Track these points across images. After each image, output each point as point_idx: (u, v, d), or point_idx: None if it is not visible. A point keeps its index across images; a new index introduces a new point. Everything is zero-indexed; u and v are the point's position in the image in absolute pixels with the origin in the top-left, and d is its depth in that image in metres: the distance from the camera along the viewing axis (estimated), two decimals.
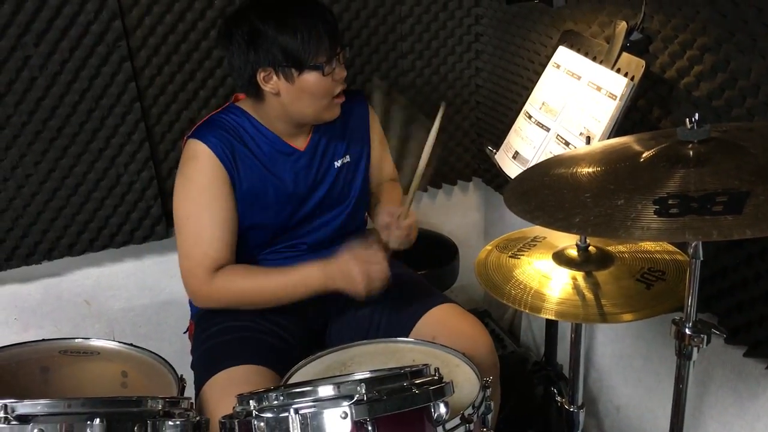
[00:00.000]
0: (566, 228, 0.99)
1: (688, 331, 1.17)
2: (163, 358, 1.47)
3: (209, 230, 1.61)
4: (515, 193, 1.15)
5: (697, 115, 1.09)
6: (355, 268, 1.55)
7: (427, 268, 2.18)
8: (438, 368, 1.20)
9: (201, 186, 1.62)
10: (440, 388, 1.14)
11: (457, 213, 2.60)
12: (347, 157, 1.76)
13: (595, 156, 1.24)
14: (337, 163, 1.75)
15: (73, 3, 1.87)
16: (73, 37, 1.90)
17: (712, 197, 0.94)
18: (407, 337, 1.62)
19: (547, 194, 1.11)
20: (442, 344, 1.50)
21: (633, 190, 1.02)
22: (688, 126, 1.08)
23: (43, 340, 1.53)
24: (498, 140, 1.96)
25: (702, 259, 1.12)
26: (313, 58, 1.55)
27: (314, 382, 1.20)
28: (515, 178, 1.26)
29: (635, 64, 1.56)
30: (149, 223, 2.14)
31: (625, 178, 1.07)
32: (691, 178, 1.01)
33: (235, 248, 1.66)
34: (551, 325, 2.07)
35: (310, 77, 1.57)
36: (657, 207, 0.95)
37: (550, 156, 1.70)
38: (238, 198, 1.65)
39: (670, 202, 0.95)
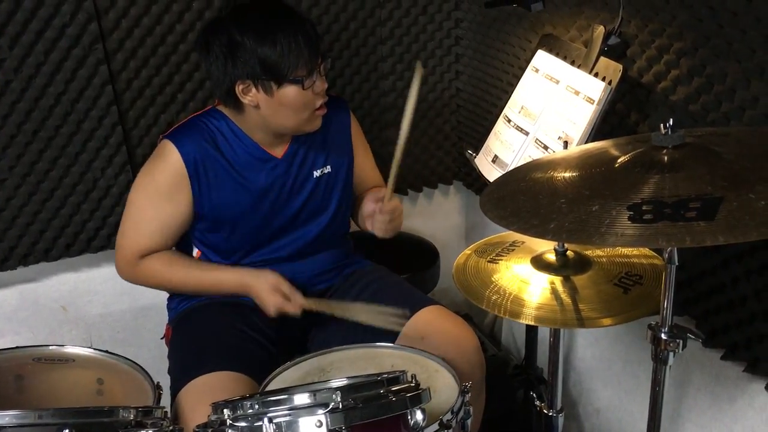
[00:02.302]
0: (541, 234, 0.98)
1: (664, 336, 1.17)
2: (140, 365, 1.46)
3: (148, 224, 1.67)
4: (491, 199, 1.15)
5: (671, 120, 1.09)
6: (271, 301, 1.65)
7: (408, 271, 2.17)
8: (415, 375, 1.19)
9: (157, 185, 1.65)
10: (417, 395, 1.13)
11: (438, 216, 2.60)
12: (328, 167, 1.75)
13: (572, 161, 1.25)
14: (317, 173, 1.73)
15: (48, 5, 1.84)
16: (48, 40, 1.87)
17: (686, 203, 0.94)
18: (394, 340, 1.62)
19: (523, 200, 1.11)
20: (422, 349, 1.49)
21: (608, 195, 1.02)
22: (663, 131, 1.09)
23: (17, 347, 1.51)
24: (478, 143, 1.96)
25: (677, 264, 1.12)
26: (292, 72, 1.53)
27: (289, 390, 1.19)
28: (492, 183, 1.25)
29: (613, 68, 1.56)
30: None
31: (601, 184, 1.07)
32: (665, 184, 1.01)
33: (170, 245, 1.72)
34: (531, 329, 2.07)
35: (290, 91, 1.55)
36: (631, 213, 0.95)
37: (529, 160, 1.70)
38: (207, 206, 1.66)
39: (644, 208, 0.95)
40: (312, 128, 1.65)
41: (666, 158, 1.07)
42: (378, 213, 1.68)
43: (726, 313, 1.51)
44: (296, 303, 1.66)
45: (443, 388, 1.39)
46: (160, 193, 1.65)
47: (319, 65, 1.59)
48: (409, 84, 1.56)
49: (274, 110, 1.58)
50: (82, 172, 2.02)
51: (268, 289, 1.65)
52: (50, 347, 1.53)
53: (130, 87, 2.00)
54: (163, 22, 1.97)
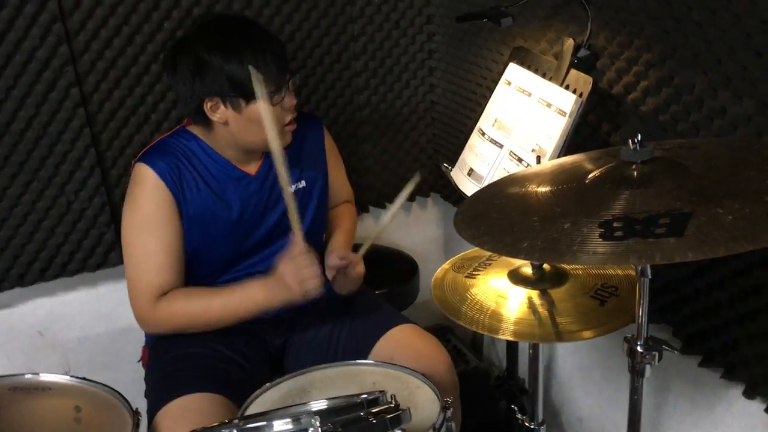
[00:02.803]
0: (514, 253, 0.99)
1: (639, 349, 1.18)
2: (118, 392, 1.44)
3: (154, 257, 1.60)
4: (465, 217, 1.16)
5: (639, 135, 1.10)
6: (287, 273, 1.54)
7: (387, 285, 2.17)
8: (395, 395, 1.19)
9: (147, 212, 1.60)
10: (397, 416, 1.13)
11: (416, 229, 2.61)
12: (302, 182, 1.75)
13: (545, 176, 1.25)
14: (291, 188, 1.73)
15: (17, 29, 1.83)
16: (17, 64, 1.85)
17: (655, 219, 0.95)
18: (366, 358, 1.62)
19: (497, 218, 1.11)
20: (401, 365, 1.49)
21: (579, 212, 1.03)
22: (631, 146, 1.10)
23: None
24: (454, 156, 1.97)
25: (650, 277, 1.13)
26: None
27: (268, 416, 1.18)
28: (465, 201, 1.26)
29: (583, 80, 1.58)
30: (102, 250, 2.09)
31: (572, 201, 1.08)
32: (635, 200, 1.02)
33: (182, 272, 1.65)
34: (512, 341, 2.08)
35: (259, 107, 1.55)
36: (602, 230, 0.96)
37: (503, 173, 1.71)
38: (185, 222, 1.64)
39: (614, 225, 0.96)
40: (283, 144, 1.65)
41: (635, 173, 1.08)
42: (343, 275, 1.67)
43: (702, 320, 1.53)
44: (308, 259, 1.54)
45: (424, 403, 1.38)
46: (152, 219, 1.60)
47: (288, 81, 1.59)
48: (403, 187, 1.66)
49: (244, 127, 1.58)
50: (55, 195, 1.99)
51: (282, 266, 1.55)
52: (26, 376, 1.51)
53: (103, 108, 1.99)
54: (135, 43, 1.96)
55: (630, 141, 1.10)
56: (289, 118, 1.61)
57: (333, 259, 1.67)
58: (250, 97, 1.53)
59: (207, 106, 1.55)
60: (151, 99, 2.03)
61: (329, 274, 1.67)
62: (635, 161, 1.09)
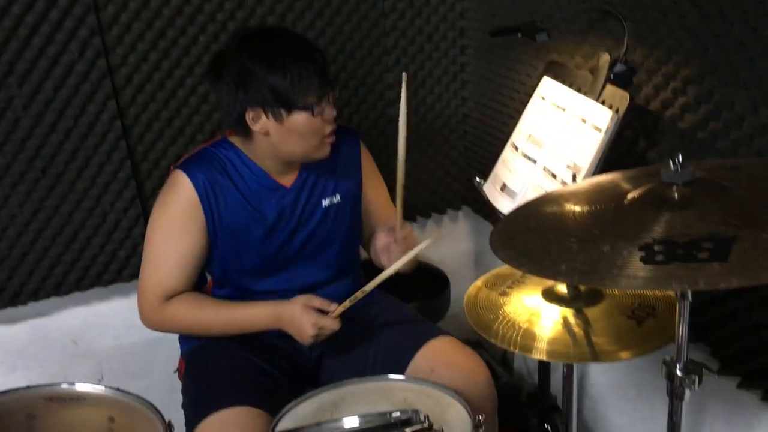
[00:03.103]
0: (553, 276, 0.98)
1: (679, 373, 1.16)
2: (151, 404, 1.45)
3: (169, 260, 1.65)
4: (501, 237, 1.15)
5: (680, 155, 1.08)
6: (306, 320, 1.58)
7: (418, 299, 2.16)
8: (428, 415, 1.18)
9: (173, 216, 1.64)
10: None
11: (447, 242, 2.59)
12: (337, 196, 1.75)
13: (582, 195, 1.24)
14: (326, 202, 1.73)
15: (57, 43, 1.87)
16: (57, 77, 1.89)
17: (698, 243, 0.93)
18: (405, 370, 1.61)
19: (533, 238, 1.10)
20: (434, 381, 1.48)
21: (618, 235, 1.01)
22: (672, 167, 1.08)
23: (28, 387, 1.51)
24: (486, 169, 1.96)
25: (691, 300, 1.11)
26: (302, 99, 1.54)
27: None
28: (501, 221, 1.25)
29: (619, 96, 1.56)
30: (137, 260, 2.11)
31: (611, 222, 1.06)
32: (676, 222, 1.00)
33: (193, 280, 1.69)
34: None
35: (300, 118, 1.56)
36: (643, 254, 0.94)
37: (537, 188, 1.69)
38: (218, 231, 1.66)
39: (655, 248, 0.95)
40: (321, 155, 1.66)
41: (676, 195, 1.06)
42: (393, 244, 1.66)
43: (740, 341, 1.50)
44: (332, 314, 1.58)
45: (455, 421, 1.37)
46: (176, 224, 1.64)
47: (329, 93, 1.60)
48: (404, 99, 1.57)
49: (284, 137, 1.59)
50: (91, 206, 2.03)
51: (301, 308, 1.58)
52: (62, 385, 1.52)
53: (138, 121, 2.02)
54: (171, 57, 1.99)
55: (671, 162, 1.08)
56: (329, 129, 1.62)
57: (381, 238, 1.66)
58: (291, 107, 1.55)
59: (249, 116, 1.57)
60: (186, 112, 2.06)
61: (384, 259, 1.65)
62: (676, 182, 1.07)
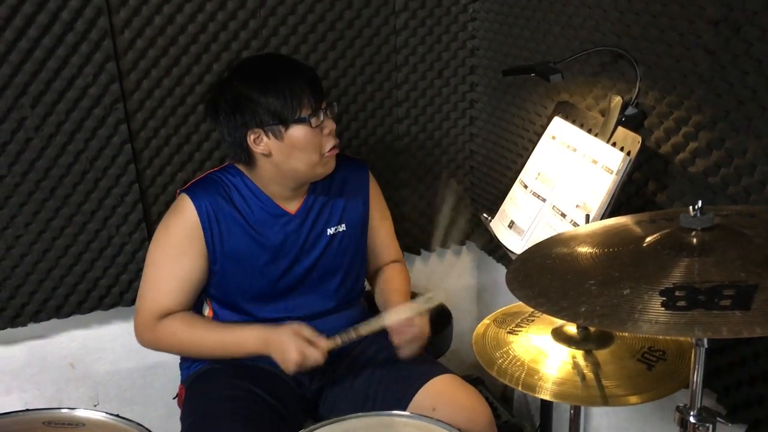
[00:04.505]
0: (572, 318, 0.97)
1: (692, 420, 1.15)
2: (149, 431, 1.43)
3: (167, 281, 1.67)
4: (518, 276, 1.14)
5: (700, 202, 1.09)
6: (293, 346, 1.57)
7: None
8: None
9: (174, 240, 1.66)
10: None
11: (450, 277, 2.59)
12: (342, 225, 1.75)
13: (596, 237, 1.24)
14: (331, 231, 1.73)
15: (72, 66, 1.88)
16: (70, 100, 1.90)
17: (719, 290, 0.93)
18: (407, 407, 1.60)
19: (550, 279, 1.10)
20: (438, 419, 1.47)
21: (638, 278, 1.01)
22: (691, 213, 1.08)
23: (27, 410, 1.49)
24: (492, 205, 1.96)
25: (707, 347, 1.10)
26: (297, 112, 1.57)
27: None
28: (516, 259, 1.25)
29: (631, 139, 1.57)
30: (139, 285, 2.10)
31: (629, 265, 1.06)
32: (695, 268, 1.00)
33: (190, 301, 1.70)
34: None
35: (298, 131, 1.58)
36: (664, 299, 0.94)
37: (546, 227, 1.70)
38: (219, 258, 1.66)
39: (677, 293, 0.94)
40: (325, 171, 1.66)
41: (695, 240, 1.06)
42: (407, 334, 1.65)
43: (748, 389, 1.49)
44: (320, 347, 1.57)
45: None
46: (176, 246, 1.66)
47: (325, 106, 1.62)
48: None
49: (286, 155, 1.60)
50: (97, 229, 2.02)
51: (289, 335, 1.58)
52: (61, 410, 1.51)
53: (149, 146, 2.02)
54: (184, 83, 2.00)
55: (690, 208, 1.08)
56: (330, 144, 1.63)
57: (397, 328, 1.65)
58: (288, 122, 1.57)
59: (250, 139, 1.59)
60: (196, 138, 2.06)
61: (394, 339, 1.65)
62: (695, 228, 1.07)
